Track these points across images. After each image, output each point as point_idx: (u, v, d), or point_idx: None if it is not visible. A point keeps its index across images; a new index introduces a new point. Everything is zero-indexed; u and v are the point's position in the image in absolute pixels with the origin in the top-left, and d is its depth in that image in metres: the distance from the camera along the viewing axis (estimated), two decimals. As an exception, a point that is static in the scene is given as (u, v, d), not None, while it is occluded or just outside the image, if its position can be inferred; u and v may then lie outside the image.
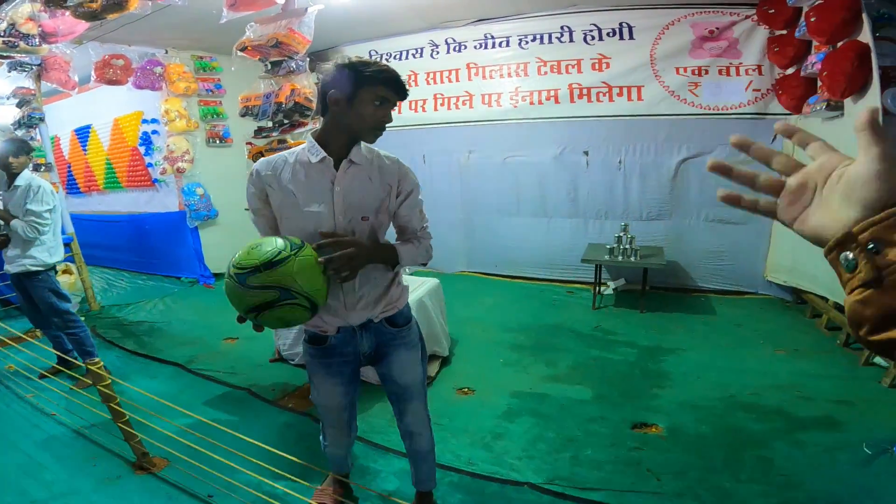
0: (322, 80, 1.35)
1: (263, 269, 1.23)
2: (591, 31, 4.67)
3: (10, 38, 3.66)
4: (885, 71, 2.92)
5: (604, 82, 4.66)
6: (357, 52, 5.55)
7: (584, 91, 4.72)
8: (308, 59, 3.11)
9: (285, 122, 2.96)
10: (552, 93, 4.81)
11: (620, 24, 4.58)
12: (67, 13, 3.17)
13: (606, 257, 4.23)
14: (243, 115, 3.26)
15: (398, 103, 1.39)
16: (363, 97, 1.32)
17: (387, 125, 1.38)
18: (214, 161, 5.67)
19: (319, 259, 1.30)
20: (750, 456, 2.19)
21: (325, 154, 1.38)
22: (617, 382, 2.94)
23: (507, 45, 4.94)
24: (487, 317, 4.16)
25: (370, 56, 5.52)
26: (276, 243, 1.27)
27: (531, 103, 4.92)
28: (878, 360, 2.95)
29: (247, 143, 3.30)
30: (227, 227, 5.70)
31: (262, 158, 1.46)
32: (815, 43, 3.70)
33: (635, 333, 3.69)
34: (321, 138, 1.40)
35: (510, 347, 3.51)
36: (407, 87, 1.39)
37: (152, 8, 2.91)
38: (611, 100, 4.66)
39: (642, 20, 4.52)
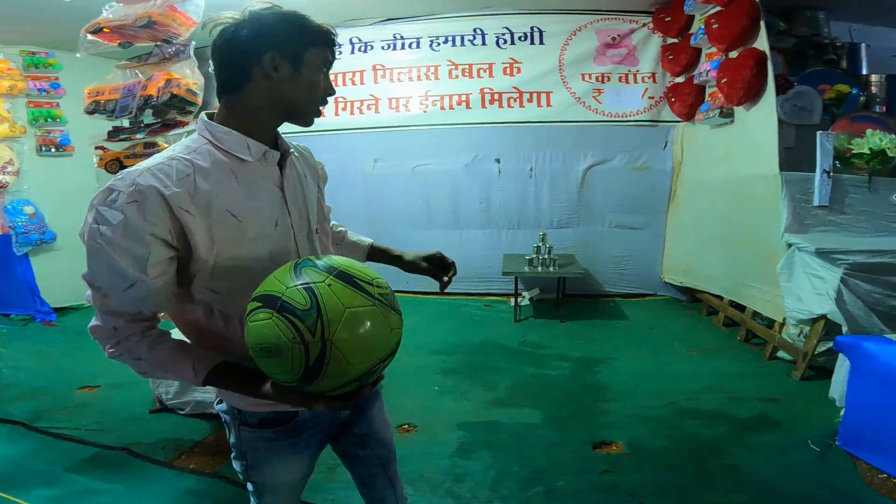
0: (238, 39, 0.87)
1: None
2: (503, 34, 4.63)
3: None
4: (776, 79, 3.14)
5: (514, 87, 4.62)
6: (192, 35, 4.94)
7: (496, 96, 4.65)
8: (193, 44, 2.57)
9: (156, 120, 2.38)
10: (463, 97, 4.66)
11: (532, 28, 4.59)
12: None
13: (526, 269, 4.13)
14: (91, 113, 2.57)
15: None
16: (312, 61, 0.91)
17: None
18: (49, 173, 4.67)
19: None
20: (716, 465, 2.16)
21: (265, 146, 0.93)
22: (562, 401, 2.81)
23: (418, 46, 4.71)
24: (409, 339, 3.71)
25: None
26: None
27: (442, 108, 4.71)
28: (781, 353, 3.14)
29: (96, 148, 2.58)
30: (67, 252, 4.64)
31: (136, 170, 0.82)
32: (705, 51, 3.95)
33: (562, 345, 3.62)
34: (242, 125, 0.91)
35: (442, 373, 3.22)
36: None
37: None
38: (521, 105, 4.64)
39: (552, 25, 4.57)
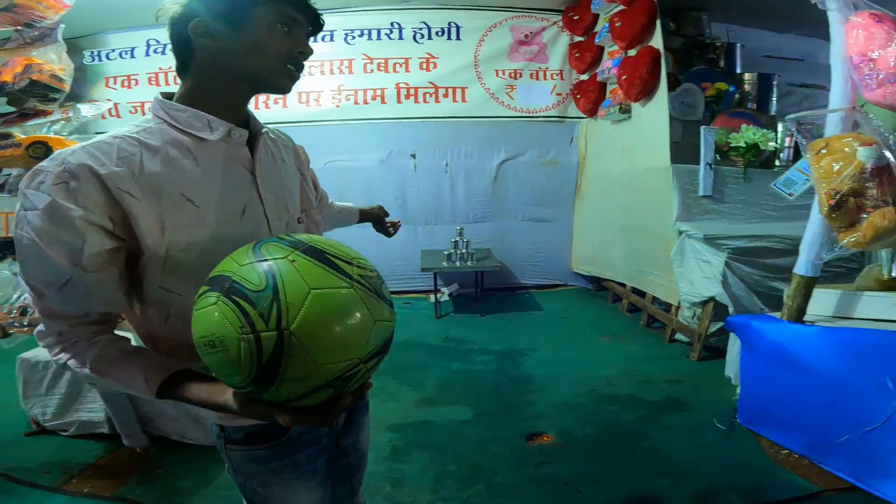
0: (175, 16, 0.77)
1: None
2: (420, 29, 4.59)
3: None
4: (667, 77, 3.36)
5: (430, 82, 4.61)
6: (133, 41, 4.56)
7: (412, 91, 4.60)
8: (62, 27, 2.30)
9: (12, 109, 2.12)
10: (378, 92, 4.58)
11: (449, 23, 4.60)
12: None
13: (444, 264, 4.14)
14: None
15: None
16: (257, 16, 0.77)
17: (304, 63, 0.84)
18: None
19: None
20: (640, 448, 2.25)
21: (229, 124, 0.81)
22: (491, 395, 2.83)
23: (332, 39, 4.56)
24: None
25: (147, 47, 4.56)
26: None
27: (356, 103, 4.60)
28: (678, 336, 3.37)
29: None
30: None
31: (68, 150, 0.70)
32: (608, 49, 4.15)
33: (485, 339, 3.66)
34: (201, 104, 0.80)
35: (364, 373, 3.14)
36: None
37: None
38: (437, 101, 4.64)
39: (469, 21, 4.61)
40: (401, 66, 4.60)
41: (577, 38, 4.59)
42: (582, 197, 4.74)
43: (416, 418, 2.60)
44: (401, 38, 4.60)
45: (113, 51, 4.62)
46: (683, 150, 3.30)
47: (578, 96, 4.52)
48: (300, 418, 0.63)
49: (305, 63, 0.84)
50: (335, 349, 0.58)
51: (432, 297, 4.34)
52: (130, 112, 4.59)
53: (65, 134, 2.13)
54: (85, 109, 2.13)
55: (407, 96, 4.60)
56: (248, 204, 0.83)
